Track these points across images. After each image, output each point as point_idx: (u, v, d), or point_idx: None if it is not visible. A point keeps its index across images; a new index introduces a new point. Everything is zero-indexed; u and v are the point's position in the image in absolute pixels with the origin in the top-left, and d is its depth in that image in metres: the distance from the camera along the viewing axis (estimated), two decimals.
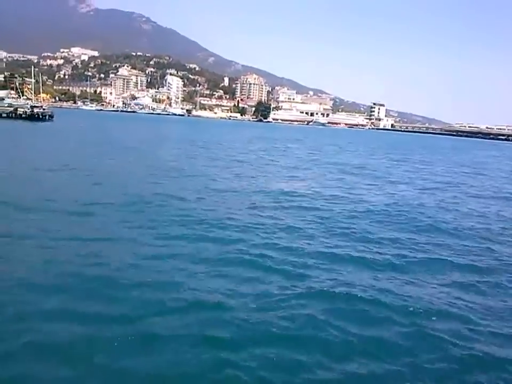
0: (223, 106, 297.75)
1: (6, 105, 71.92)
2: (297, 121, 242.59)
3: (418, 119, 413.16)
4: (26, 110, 62.95)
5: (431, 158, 49.58)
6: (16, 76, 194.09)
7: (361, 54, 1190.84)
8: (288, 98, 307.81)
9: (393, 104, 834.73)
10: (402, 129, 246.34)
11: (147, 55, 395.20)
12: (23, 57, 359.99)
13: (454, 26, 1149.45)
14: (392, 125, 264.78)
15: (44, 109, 68.07)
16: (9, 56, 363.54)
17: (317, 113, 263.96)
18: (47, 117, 65.26)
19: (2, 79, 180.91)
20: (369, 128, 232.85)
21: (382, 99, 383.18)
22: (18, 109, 62.34)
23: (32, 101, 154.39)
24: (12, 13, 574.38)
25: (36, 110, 64.39)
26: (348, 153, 47.14)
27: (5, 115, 58.94)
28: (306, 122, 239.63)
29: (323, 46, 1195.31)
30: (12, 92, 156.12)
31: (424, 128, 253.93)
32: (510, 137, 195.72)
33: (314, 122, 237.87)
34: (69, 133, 47.91)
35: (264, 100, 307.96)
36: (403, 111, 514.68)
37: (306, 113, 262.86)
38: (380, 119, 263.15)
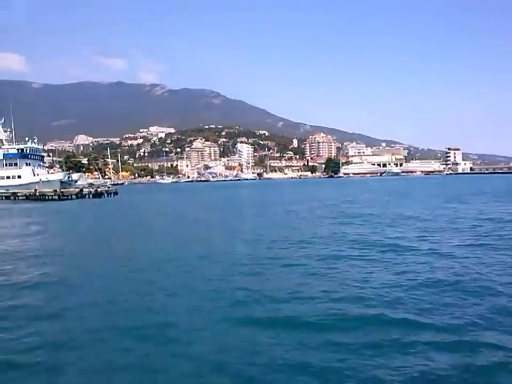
0: (293, 166, 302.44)
1: (85, 185, 79.98)
2: (368, 173, 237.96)
3: (501, 159, 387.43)
4: (91, 190, 68.11)
5: None
6: (98, 158, 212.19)
7: (433, 99, 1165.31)
8: (358, 152, 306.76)
9: (472, 147, 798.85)
10: (483, 172, 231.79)
11: (219, 126, 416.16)
12: (107, 140, 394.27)
13: None
14: (471, 168, 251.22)
15: (108, 187, 73.87)
16: (95, 141, 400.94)
17: (389, 164, 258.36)
18: (112, 194, 69.68)
19: (87, 162, 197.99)
20: (446, 174, 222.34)
21: (460, 143, 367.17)
22: (84, 190, 67.19)
23: (111, 180, 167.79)
24: (98, 105, 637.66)
25: (99, 189, 69.98)
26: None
27: (74, 196, 63.33)
28: (379, 174, 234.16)
29: (392, 97, 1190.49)
30: (95, 172, 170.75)
31: (506, 169, 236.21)
32: None
33: (387, 172, 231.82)
34: (121, 206, 51.19)
35: (334, 156, 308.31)
36: (484, 153, 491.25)
37: (378, 164, 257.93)
38: (457, 164, 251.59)
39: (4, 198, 64.60)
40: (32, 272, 14.02)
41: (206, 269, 13.82)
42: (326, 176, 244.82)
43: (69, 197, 62.60)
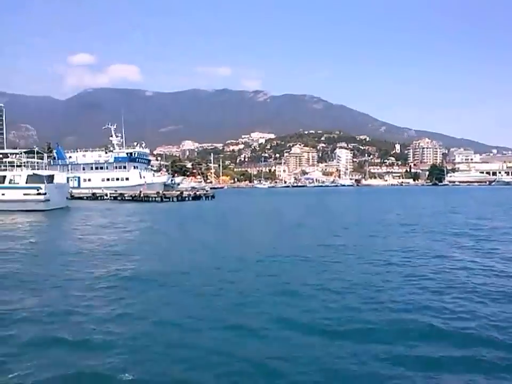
0: (394, 173, 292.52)
1: (188, 188, 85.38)
2: (476, 182, 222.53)
3: None
4: (190, 193, 72.57)
5: None
6: (201, 163, 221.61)
7: None
8: (466, 159, 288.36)
9: None
10: None
11: (318, 132, 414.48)
12: (211, 145, 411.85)
13: None
14: None
15: (206, 191, 78.06)
16: (200, 146, 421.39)
17: (499, 172, 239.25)
18: (209, 198, 73.03)
19: (191, 166, 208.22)
20: None
21: None
22: (184, 192, 71.35)
23: (212, 183, 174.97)
24: (204, 111, 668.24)
25: (198, 193, 74.60)
26: None
27: (174, 198, 67.25)
28: (487, 183, 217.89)
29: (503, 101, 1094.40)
30: (198, 176, 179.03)
31: None
32: None
33: (497, 181, 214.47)
34: (216, 209, 53.62)
35: (439, 163, 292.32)
36: None
37: (488, 173, 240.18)
38: None
39: (112, 198, 70.36)
40: (131, 266, 15.66)
41: (285, 276, 14.03)
42: (430, 183, 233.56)
43: (170, 199, 66.80)
